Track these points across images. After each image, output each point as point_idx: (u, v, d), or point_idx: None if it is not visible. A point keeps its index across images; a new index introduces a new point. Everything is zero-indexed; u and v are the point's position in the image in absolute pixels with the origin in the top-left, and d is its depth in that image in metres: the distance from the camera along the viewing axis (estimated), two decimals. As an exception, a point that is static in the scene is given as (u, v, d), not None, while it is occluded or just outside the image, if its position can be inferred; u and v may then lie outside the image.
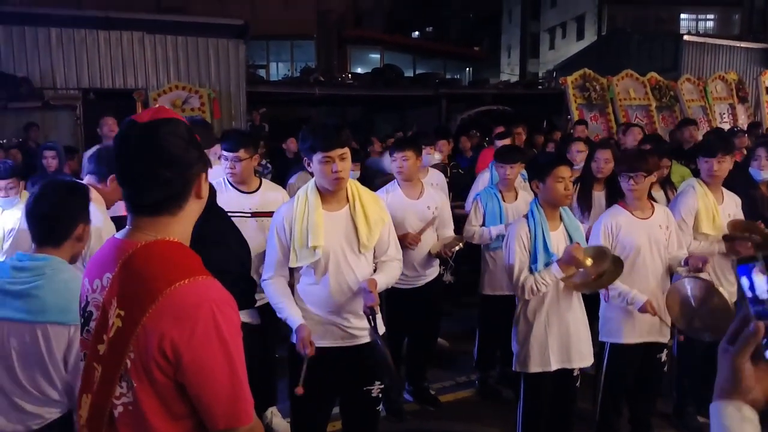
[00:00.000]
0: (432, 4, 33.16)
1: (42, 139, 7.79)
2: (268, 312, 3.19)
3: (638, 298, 3.12)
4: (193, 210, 1.37)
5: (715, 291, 3.00)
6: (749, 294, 0.92)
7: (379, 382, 2.72)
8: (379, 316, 2.78)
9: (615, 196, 4.13)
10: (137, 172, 1.29)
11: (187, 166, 1.32)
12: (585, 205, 4.14)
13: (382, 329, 2.80)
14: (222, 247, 2.77)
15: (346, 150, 2.58)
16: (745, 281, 0.93)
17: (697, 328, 3.06)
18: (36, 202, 2.09)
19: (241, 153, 3.33)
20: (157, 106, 1.37)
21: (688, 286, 3.06)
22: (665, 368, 3.43)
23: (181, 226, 1.35)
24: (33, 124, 8.03)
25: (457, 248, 3.82)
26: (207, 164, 1.42)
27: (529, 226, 2.97)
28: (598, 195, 4.20)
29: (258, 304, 3.30)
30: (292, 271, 2.75)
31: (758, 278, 0.92)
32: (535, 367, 3.00)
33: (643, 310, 3.11)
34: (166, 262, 1.26)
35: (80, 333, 1.38)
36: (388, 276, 2.76)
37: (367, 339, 2.67)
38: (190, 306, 1.22)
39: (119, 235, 1.35)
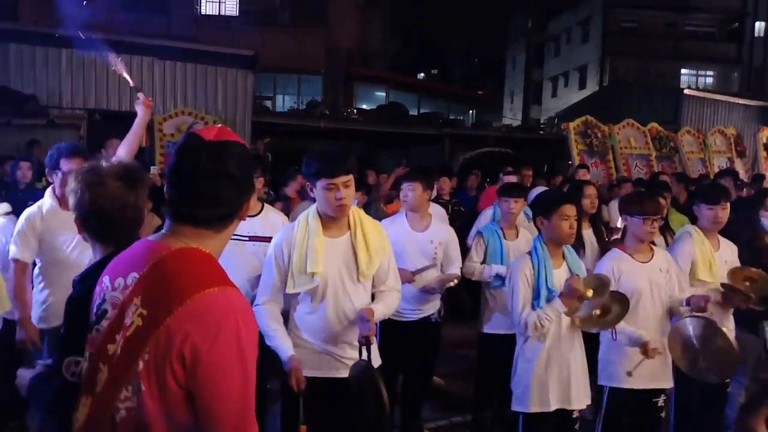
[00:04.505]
0: (437, 48, 33.85)
1: (44, 157, 7.79)
2: (259, 341, 3.11)
3: (643, 336, 3.08)
4: (232, 229, 1.40)
5: (718, 330, 2.95)
6: None
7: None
8: (375, 347, 2.71)
9: (600, 234, 4.39)
10: (200, 189, 1.30)
11: (247, 188, 1.37)
12: (578, 244, 4.16)
13: (379, 361, 2.73)
14: None
15: (350, 177, 2.54)
16: None
17: (701, 369, 3.01)
18: None
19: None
20: (219, 126, 1.40)
21: (690, 326, 3.02)
22: (662, 413, 3.36)
23: (218, 242, 1.37)
24: (36, 142, 8.05)
25: (450, 284, 3.77)
26: (254, 189, 1.48)
27: (532, 262, 2.95)
28: (588, 233, 4.33)
29: None
30: (287, 297, 2.69)
31: None
32: (534, 407, 2.93)
33: (644, 347, 3.04)
34: (199, 268, 1.27)
35: (89, 332, 1.35)
36: (386, 306, 2.71)
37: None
38: (218, 313, 1.22)
39: (152, 237, 1.36)
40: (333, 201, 2.52)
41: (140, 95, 3.54)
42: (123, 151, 3.41)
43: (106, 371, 1.24)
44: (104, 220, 1.68)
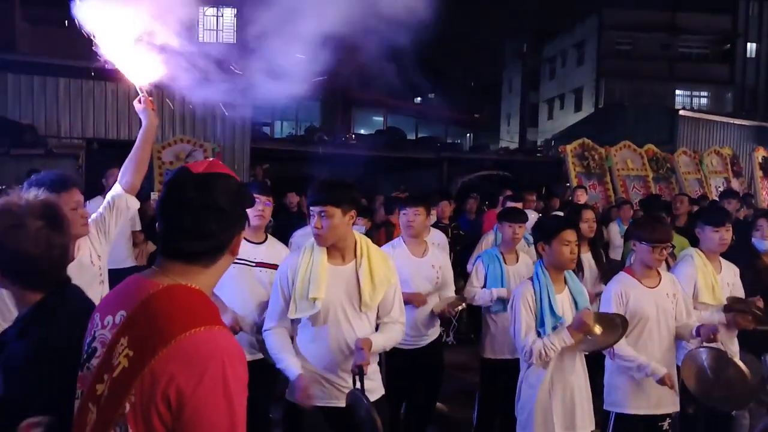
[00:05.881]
0: (434, 72, 34.20)
1: (43, 186, 7.76)
2: (261, 369, 3.08)
3: (658, 370, 3.03)
4: (223, 265, 1.38)
5: (730, 361, 2.97)
6: None
7: None
8: (377, 377, 2.68)
9: (599, 257, 4.42)
10: (186, 222, 1.30)
11: (234, 222, 1.36)
12: (577, 267, 4.15)
13: (381, 392, 2.69)
14: None
15: (328, 208, 2.53)
16: None
17: (717, 399, 3.01)
18: None
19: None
20: (211, 159, 1.41)
21: (703, 356, 3.03)
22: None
23: (208, 277, 1.36)
24: (34, 171, 7.99)
25: (459, 308, 3.75)
26: (247, 223, 1.43)
27: (534, 288, 2.93)
28: (587, 257, 4.34)
29: (249, 359, 3.19)
30: (292, 322, 2.67)
31: None
32: (538, 435, 2.88)
33: (661, 382, 3.02)
34: (185, 307, 1.25)
35: (80, 369, 1.34)
36: (387, 338, 2.67)
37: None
38: (203, 355, 1.19)
39: (143, 274, 1.35)
40: (313, 228, 2.57)
41: (141, 90, 2.70)
42: (129, 177, 2.82)
43: (95, 412, 1.22)
44: (29, 264, 1.53)
